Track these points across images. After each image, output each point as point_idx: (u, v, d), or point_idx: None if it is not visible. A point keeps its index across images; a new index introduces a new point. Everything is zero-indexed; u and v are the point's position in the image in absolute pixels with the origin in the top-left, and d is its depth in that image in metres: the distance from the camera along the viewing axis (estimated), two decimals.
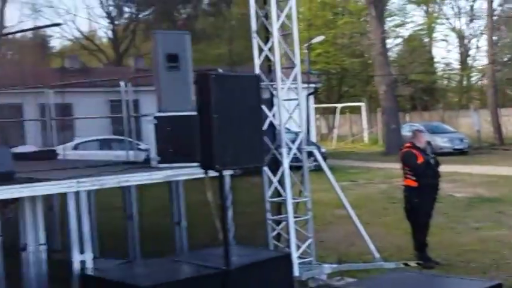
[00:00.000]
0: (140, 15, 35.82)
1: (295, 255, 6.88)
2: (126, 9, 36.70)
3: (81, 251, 5.85)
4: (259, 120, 5.18)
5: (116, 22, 37.49)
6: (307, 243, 7.31)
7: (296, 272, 6.72)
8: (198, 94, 4.67)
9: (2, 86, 14.92)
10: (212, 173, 4.93)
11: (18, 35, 29.85)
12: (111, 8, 37.16)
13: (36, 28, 28.71)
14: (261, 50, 7.32)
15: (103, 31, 43.45)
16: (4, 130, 15.63)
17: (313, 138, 25.83)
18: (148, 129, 6.64)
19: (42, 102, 11.69)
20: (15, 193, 5.55)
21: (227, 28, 30.82)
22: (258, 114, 5.12)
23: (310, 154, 7.56)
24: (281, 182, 7.22)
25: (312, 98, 25.40)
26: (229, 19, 31.35)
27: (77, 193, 5.81)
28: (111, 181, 6.09)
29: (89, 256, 5.87)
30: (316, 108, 31.90)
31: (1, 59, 31.14)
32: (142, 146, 10.97)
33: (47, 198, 7.68)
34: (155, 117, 6.62)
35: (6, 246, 6.57)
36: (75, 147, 17.45)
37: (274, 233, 7.40)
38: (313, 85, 23.30)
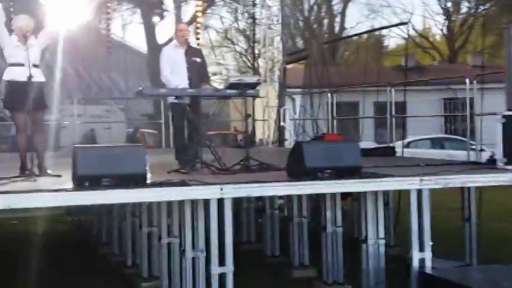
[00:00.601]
0: (479, 10, 34.33)
1: None
2: (465, 3, 35.58)
3: (420, 249, 5.83)
4: None
5: (453, 18, 36.61)
6: None
7: None
8: None
9: (341, 84, 15.72)
10: None
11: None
12: (448, 4, 36.46)
13: (382, 28, 29.79)
14: None
15: (438, 28, 42.80)
16: (343, 127, 16.47)
17: None
18: (496, 128, 6.29)
19: (379, 100, 11.99)
20: (361, 187, 5.76)
21: None
22: None
23: None
24: None
25: None
26: None
27: (420, 191, 5.79)
28: (456, 181, 5.91)
29: (428, 255, 5.83)
30: None
31: (339, 59, 33.11)
32: (476, 146, 10.50)
33: (384, 194, 7.84)
34: (503, 116, 6.24)
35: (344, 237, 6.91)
36: (407, 145, 17.61)
37: None
38: None
